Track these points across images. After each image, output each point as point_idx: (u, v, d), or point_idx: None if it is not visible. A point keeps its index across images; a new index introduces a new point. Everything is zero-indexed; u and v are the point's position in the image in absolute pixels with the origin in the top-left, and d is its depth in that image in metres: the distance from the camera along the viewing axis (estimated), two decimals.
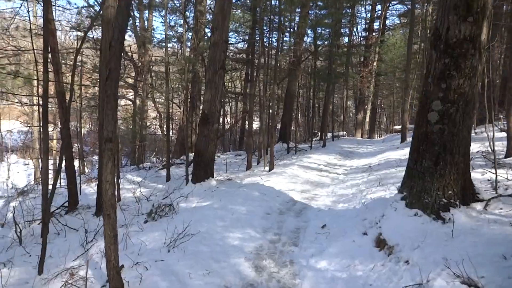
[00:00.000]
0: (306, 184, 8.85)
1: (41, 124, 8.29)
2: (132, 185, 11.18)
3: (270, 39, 15.80)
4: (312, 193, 8.15)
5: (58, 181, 15.45)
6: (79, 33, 11.50)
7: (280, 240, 5.57)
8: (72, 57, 12.62)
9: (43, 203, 6.33)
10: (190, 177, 9.82)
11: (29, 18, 9.01)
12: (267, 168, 11.01)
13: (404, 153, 10.21)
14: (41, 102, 8.30)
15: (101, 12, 8.58)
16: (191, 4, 16.89)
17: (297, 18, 19.87)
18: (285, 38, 18.20)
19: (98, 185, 8.48)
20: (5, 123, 27.88)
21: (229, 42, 21.36)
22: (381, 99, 35.40)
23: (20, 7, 9.94)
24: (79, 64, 12.95)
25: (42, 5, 8.11)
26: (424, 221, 4.34)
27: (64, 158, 9.50)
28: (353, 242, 4.83)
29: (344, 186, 8.26)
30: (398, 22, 32.86)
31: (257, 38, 15.44)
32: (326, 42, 21.24)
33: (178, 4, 15.94)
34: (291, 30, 19.18)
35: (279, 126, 20.99)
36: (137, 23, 19.79)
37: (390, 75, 33.06)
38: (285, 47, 18.13)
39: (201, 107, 13.15)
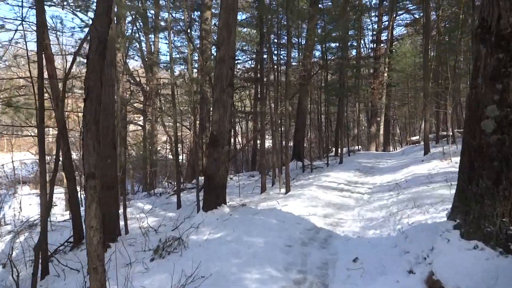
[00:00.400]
0: (328, 207, 7.93)
1: (39, 156, 7.65)
2: (141, 214, 10.41)
3: (279, 55, 15.12)
4: (336, 217, 7.23)
5: (63, 213, 14.73)
6: (81, 59, 10.96)
7: (306, 280, 4.67)
8: (78, 82, 12.04)
9: (38, 242, 5.58)
10: (201, 204, 9.01)
11: (26, 44, 8.48)
12: (283, 190, 10.13)
13: (431, 166, 9.28)
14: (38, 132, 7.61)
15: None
16: (196, 24, 16.42)
17: (304, 33, 19.30)
18: (293, 54, 17.54)
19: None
20: (18, 155, 27.59)
21: (236, 61, 20.86)
22: (393, 110, 34.38)
23: (14, 34, 9.34)
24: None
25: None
26: (489, 256, 3.42)
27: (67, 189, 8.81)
28: (396, 283, 3.91)
29: (371, 208, 7.33)
30: (405, 32, 32.22)
31: (265, 56, 14.85)
32: (335, 56, 20.61)
33: (182, 24, 15.45)
34: (299, 44, 18.54)
35: (291, 144, 20.19)
36: (144, 47, 19.40)
37: (401, 86, 32.21)
38: (294, 63, 17.45)
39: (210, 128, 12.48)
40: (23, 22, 9.02)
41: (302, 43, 19.10)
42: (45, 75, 7.57)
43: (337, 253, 5.36)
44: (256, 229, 6.42)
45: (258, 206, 8.49)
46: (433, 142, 17.58)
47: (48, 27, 8.24)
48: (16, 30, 8.02)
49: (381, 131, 30.26)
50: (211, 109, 13.90)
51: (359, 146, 23.93)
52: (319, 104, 20.48)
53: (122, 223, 8.73)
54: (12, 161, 25.19)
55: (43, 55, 7.48)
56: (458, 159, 9.33)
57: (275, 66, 13.70)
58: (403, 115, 34.35)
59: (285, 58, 16.57)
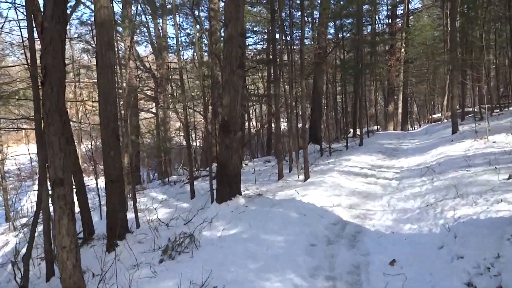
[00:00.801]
0: (352, 196, 7.09)
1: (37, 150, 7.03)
2: (156, 204, 9.81)
3: (292, 33, 14.10)
4: (363, 208, 6.40)
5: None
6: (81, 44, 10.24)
7: None
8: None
9: (27, 251, 4.96)
10: (215, 193, 8.31)
11: (20, 30, 7.76)
12: (301, 177, 9.33)
13: (465, 146, 8.30)
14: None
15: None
16: (204, 3, 15.49)
17: (317, 11, 18.15)
18: (306, 32, 16.46)
19: (107, 215, 7.07)
20: (34, 146, 27.42)
21: (247, 41, 19.86)
22: (410, 87, 32.91)
23: (5, 21, 8.54)
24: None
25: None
26: None
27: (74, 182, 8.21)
28: None
29: (402, 197, 6.47)
30: (421, 5, 30.51)
31: (277, 36, 13.86)
32: (350, 32, 19.42)
33: (188, 5, 14.55)
34: (313, 21, 17.42)
35: (307, 126, 19.26)
36: (152, 32, 18.59)
37: (418, 62, 30.67)
38: (308, 42, 16.39)
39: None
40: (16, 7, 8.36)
41: (316, 20, 17.97)
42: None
43: (370, 253, 4.56)
44: (275, 225, 5.67)
45: (276, 196, 7.72)
46: (458, 119, 16.46)
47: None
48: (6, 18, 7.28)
49: (399, 110, 29.01)
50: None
51: (378, 126, 22.84)
52: (334, 84, 19.42)
53: (133, 215, 8.14)
54: (29, 153, 25.02)
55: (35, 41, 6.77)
56: (496, 137, 8.43)
57: (289, 46, 12.74)
58: (421, 92, 32.88)
59: (299, 36, 15.54)
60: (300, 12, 14.08)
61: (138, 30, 15.83)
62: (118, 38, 12.66)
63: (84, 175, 8.91)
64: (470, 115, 16.55)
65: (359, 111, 17.63)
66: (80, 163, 9.44)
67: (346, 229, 5.52)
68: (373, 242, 4.84)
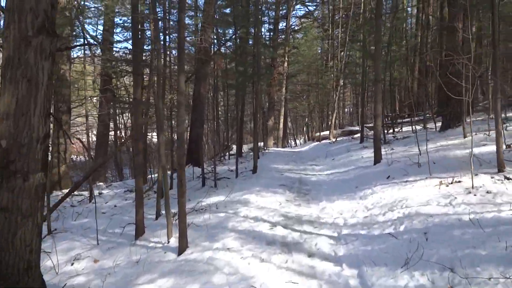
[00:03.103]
0: None
1: None
2: None
3: (168, 19, 9.82)
4: None
5: None
6: None
7: None
8: None
9: None
10: None
11: None
12: (173, 241, 5.21)
13: (435, 194, 5.12)
14: None
15: None
16: None
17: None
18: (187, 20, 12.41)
19: None
20: None
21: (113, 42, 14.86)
22: (293, 102, 31.55)
23: None
24: None
25: None
26: None
27: None
28: None
29: None
30: (305, 21, 29.39)
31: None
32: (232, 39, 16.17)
33: None
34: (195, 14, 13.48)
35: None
36: None
37: (296, 80, 29.45)
38: (189, 37, 12.33)
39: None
40: None
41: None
42: None
43: None
44: None
45: None
46: (355, 140, 14.30)
47: None
48: None
49: (281, 125, 27.03)
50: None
51: (262, 143, 19.92)
52: (215, 90, 15.74)
53: None
54: None
55: None
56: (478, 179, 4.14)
57: (161, 33, 8.46)
58: (302, 109, 31.69)
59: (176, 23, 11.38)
60: None
61: None
62: None
63: None
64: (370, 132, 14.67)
65: (240, 124, 14.21)
66: None
67: None
68: None
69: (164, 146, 7.29)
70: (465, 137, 8.30)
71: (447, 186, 5.05)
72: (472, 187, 4.70)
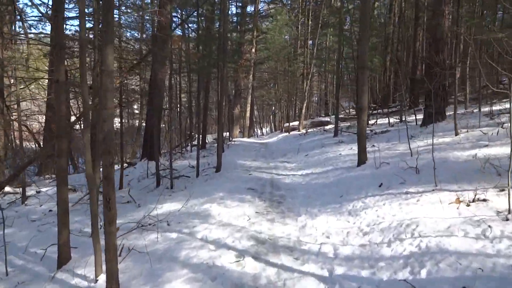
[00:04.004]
0: None
1: None
2: None
3: None
4: None
5: None
6: None
7: None
8: None
9: None
10: None
11: None
12: (102, 279, 3.64)
13: (451, 214, 3.89)
14: None
15: None
16: None
17: None
18: None
19: None
20: None
21: None
22: (259, 91, 30.03)
23: None
24: None
25: None
26: None
27: None
28: None
29: None
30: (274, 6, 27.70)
31: None
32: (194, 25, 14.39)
33: None
34: None
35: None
36: None
37: (264, 67, 27.96)
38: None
39: None
40: None
41: None
42: None
43: None
44: None
45: None
46: (330, 133, 13.08)
47: None
48: None
49: (247, 114, 25.53)
50: None
51: (228, 133, 18.34)
52: (179, 76, 14.00)
53: None
54: None
55: None
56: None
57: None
58: (269, 97, 30.26)
59: None
60: None
61: None
62: None
63: None
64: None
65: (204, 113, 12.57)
66: None
67: None
68: None
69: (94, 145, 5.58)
70: (456, 134, 7.19)
71: (468, 205, 3.81)
72: (509, 211, 3.46)
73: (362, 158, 6.79)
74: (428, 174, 5.11)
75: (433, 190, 4.49)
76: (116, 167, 10.37)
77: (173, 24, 11.58)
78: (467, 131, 7.35)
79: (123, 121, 12.61)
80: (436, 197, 4.24)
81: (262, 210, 5.61)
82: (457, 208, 3.84)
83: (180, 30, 12.76)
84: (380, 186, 5.32)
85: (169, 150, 11.91)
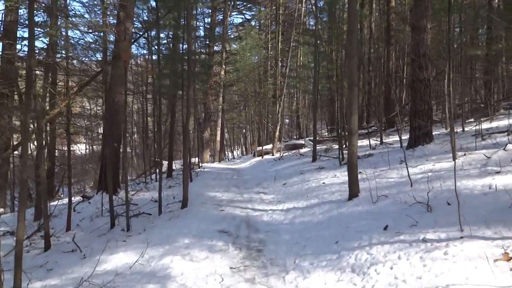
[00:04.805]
0: None
1: None
2: None
3: None
4: None
5: None
6: None
7: None
8: None
9: None
10: None
11: None
12: None
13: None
14: None
15: None
16: None
17: None
18: None
19: None
20: None
21: None
22: (230, 113, 28.96)
23: None
24: None
25: None
26: None
27: None
28: None
29: None
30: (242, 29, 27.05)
31: None
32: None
33: None
34: None
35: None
36: None
37: (233, 89, 27.07)
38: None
39: None
40: None
41: None
42: None
43: None
44: None
45: None
46: (305, 158, 12.02)
47: None
48: None
49: (218, 137, 24.27)
50: None
51: (197, 159, 16.93)
52: (145, 100, 12.67)
53: None
54: None
55: None
56: None
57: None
58: (239, 120, 29.26)
59: None
60: None
61: None
62: None
63: None
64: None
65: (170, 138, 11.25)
66: None
67: None
68: None
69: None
70: (454, 158, 6.27)
71: None
72: None
73: (354, 190, 5.68)
74: (444, 212, 4.05)
75: (462, 237, 3.40)
76: (66, 201, 8.78)
77: (132, 40, 10.32)
78: (465, 154, 6.46)
79: (86, 147, 11.02)
80: (472, 249, 3.15)
81: (238, 264, 4.32)
82: (511, 270, 2.74)
83: (136, 45, 11.47)
84: (385, 229, 4.19)
85: (131, 179, 10.43)
